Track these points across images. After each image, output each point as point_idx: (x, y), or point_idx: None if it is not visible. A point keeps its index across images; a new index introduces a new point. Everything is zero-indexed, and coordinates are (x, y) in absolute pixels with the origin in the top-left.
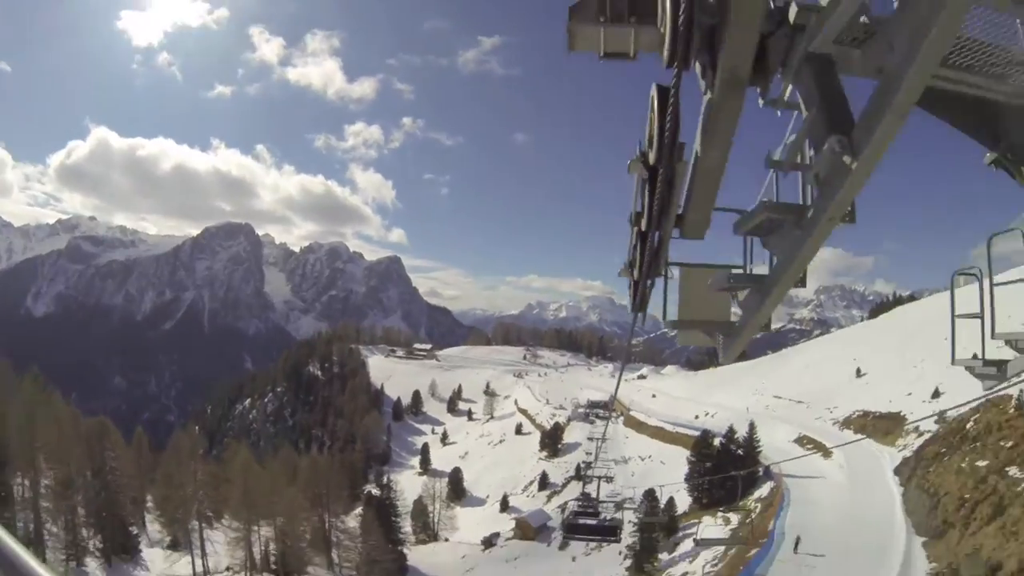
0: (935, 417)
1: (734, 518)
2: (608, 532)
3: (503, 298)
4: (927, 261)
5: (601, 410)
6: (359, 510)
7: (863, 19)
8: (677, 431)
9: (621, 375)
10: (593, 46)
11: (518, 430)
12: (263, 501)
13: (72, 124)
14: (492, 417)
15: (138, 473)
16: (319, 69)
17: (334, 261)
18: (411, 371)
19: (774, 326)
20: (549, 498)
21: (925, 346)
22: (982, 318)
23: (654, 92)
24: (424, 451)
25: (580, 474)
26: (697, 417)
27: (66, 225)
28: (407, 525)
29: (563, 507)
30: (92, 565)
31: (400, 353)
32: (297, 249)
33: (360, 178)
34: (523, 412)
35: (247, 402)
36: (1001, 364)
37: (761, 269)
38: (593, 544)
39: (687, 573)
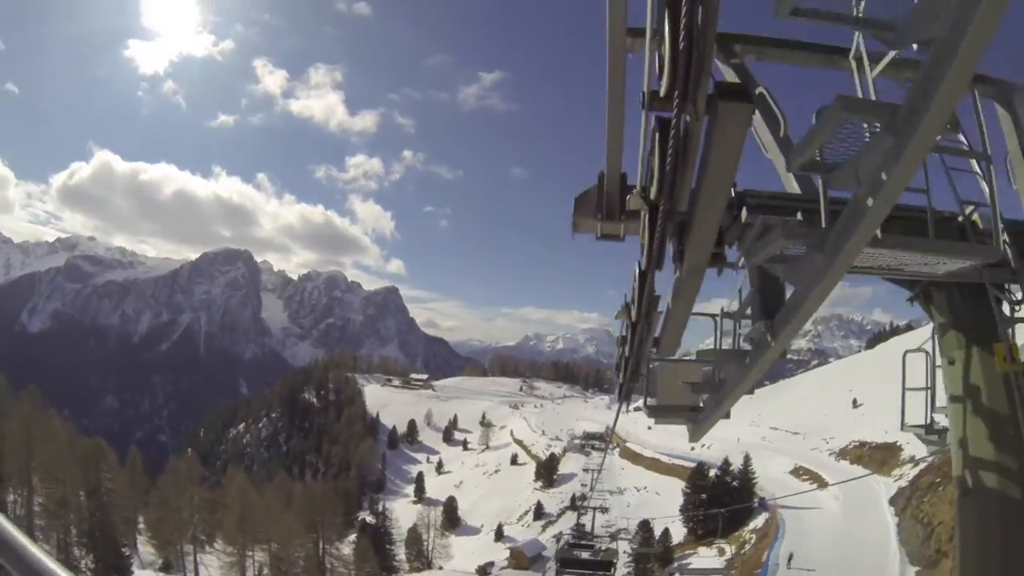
0: (929, 450)
1: (728, 549)
2: (602, 567)
3: (500, 329)
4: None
5: (597, 441)
6: (353, 537)
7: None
8: (673, 462)
9: (618, 415)
10: (591, 231)
11: (513, 460)
12: (258, 526)
13: (76, 146)
14: (488, 447)
15: (131, 494)
16: (321, 102)
17: (332, 290)
18: (407, 400)
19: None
20: (544, 528)
21: (922, 377)
22: (927, 391)
23: (636, 271)
24: (419, 480)
25: (575, 504)
26: (693, 448)
27: (65, 244)
28: (401, 553)
29: (558, 537)
30: None
31: (396, 382)
32: (295, 277)
33: (360, 209)
34: (519, 443)
35: (241, 426)
36: (942, 432)
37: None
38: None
39: None
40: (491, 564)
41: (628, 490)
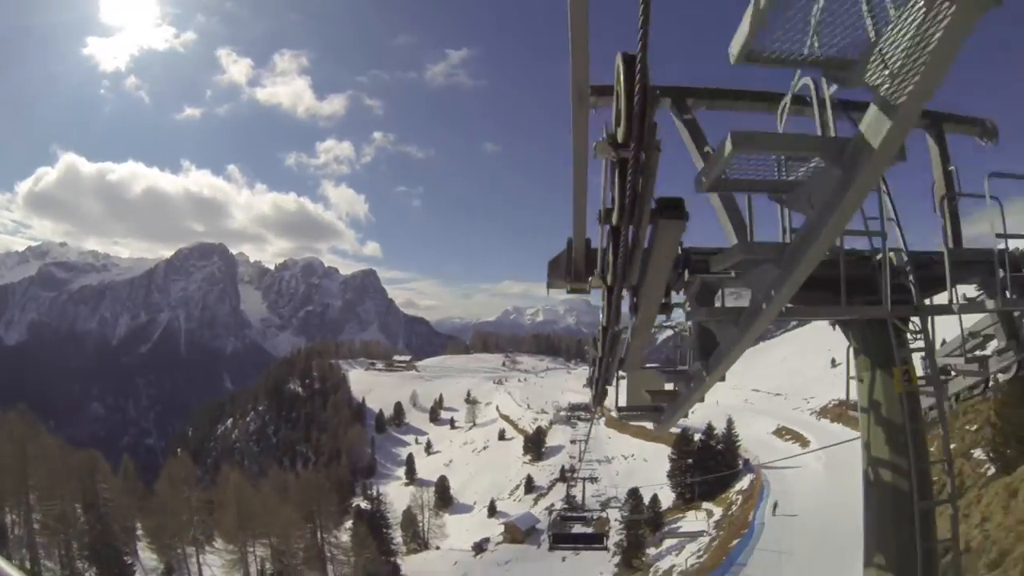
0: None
1: (716, 511)
2: (594, 540)
3: (479, 305)
4: None
5: (583, 412)
6: (349, 524)
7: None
8: None
9: (591, 425)
10: (562, 288)
11: (501, 436)
12: (257, 522)
13: (40, 151)
14: (475, 424)
15: (128, 502)
16: (288, 88)
17: (309, 277)
18: (392, 383)
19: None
20: (536, 501)
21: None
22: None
23: (598, 334)
24: (409, 461)
25: (565, 476)
26: None
27: (36, 252)
28: (398, 536)
29: (550, 509)
30: None
31: (380, 366)
32: (272, 267)
33: (333, 194)
34: (505, 418)
35: (229, 422)
36: None
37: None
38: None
39: (674, 566)
40: (487, 540)
41: (616, 459)
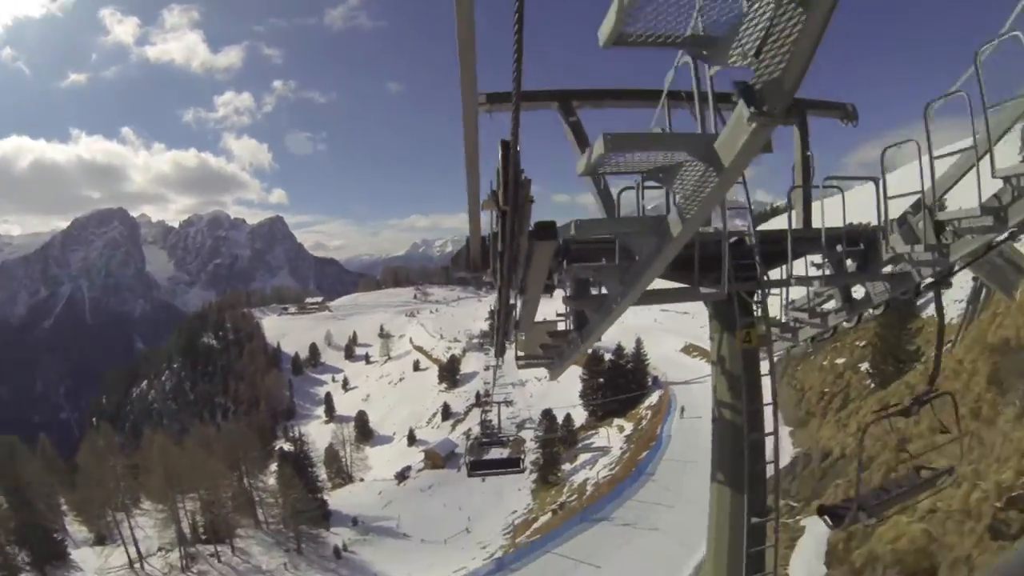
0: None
1: (627, 426)
2: (511, 464)
3: (388, 241)
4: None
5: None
6: (275, 467)
7: None
8: None
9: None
10: (464, 276)
11: (416, 367)
12: (185, 479)
13: None
14: (389, 358)
15: (51, 479)
16: (180, 44)
17: (216, 230)
18: (305, 326)
19: None
20: (453, 427)
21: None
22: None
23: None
24: (327, 400)
25: (480, 401)
26: None
27: None
28: (323, 473)
29: (467, 434)
30: None
31: (292, 310)
32: (176, 224)
33: (235, 146)
34: (419, 349)
35: (144, 384)
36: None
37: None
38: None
39: (587, 479)
40: (408, 468)
41: (529, 381)
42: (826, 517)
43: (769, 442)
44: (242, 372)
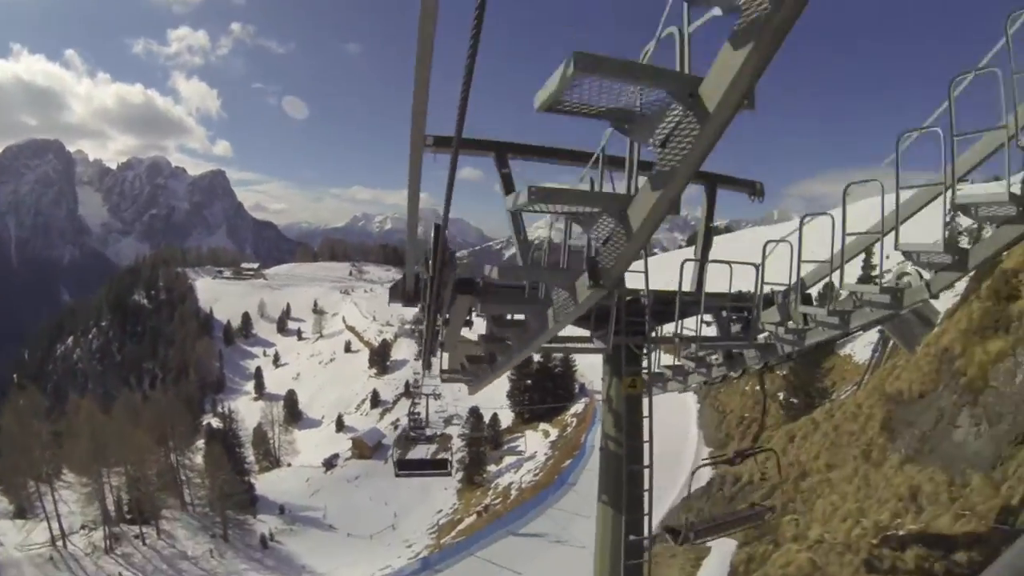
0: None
1: (553, 431)
2: (438, 466)
3: (329, 210)
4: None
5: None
6: (201, 443)
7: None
8: None
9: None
10: (400, 303)
11: (347, 348)
12: (112, 450)
13: None
14: (321, 335)
15: None
16: None
17: (155, 177)
18: (239, 292)
19: None
20: (382, 415)
21: (740, 274)
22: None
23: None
24: (258, 375)
25: (409, 391)
26: None
27: None
28: (250, 454)
29: (395, 424)
30: None
31: (228, 274)
32: (114, 166)
33: (183, 87)
34: (351, 330)
35: (70, 340)
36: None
37: None
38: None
39: (512, 483)
40: (336, 456)
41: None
42: (668, 534)
43: (646, 473)
44: (172, 336)
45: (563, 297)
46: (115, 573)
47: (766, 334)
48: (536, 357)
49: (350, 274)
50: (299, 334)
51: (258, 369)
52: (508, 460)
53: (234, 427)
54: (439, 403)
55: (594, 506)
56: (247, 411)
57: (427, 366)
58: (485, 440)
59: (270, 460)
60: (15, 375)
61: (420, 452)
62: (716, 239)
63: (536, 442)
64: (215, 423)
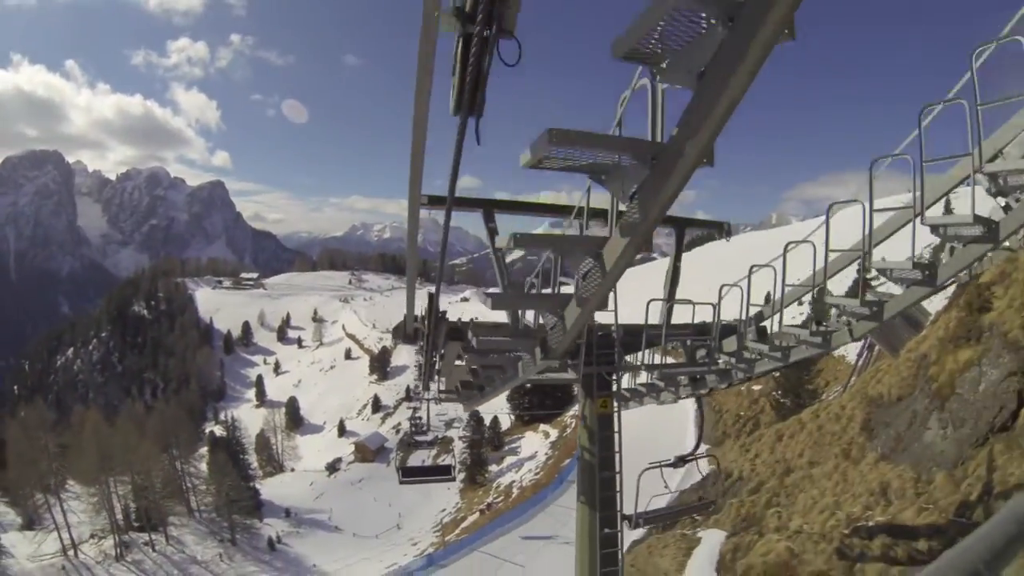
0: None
1: (553, 432)
2: (443, 472)
3: (327, 220)
4: (745, 197)
5: None
6: (204, 450)
7: None
8: None
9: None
10: (400, 342)
11: (347, 355)
12: (118, 460)
13: None
14: (321, 343)
15: None
16: None
17: (154, 188)
18: (239, 301)
19: None
20: (383, 420)
21: (734, 278)
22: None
23: (421, 360)
24: (259, 383)
25: (410, 396)
26: None
27: None
28: (254, 460)
29: (397, 428)
30: None
31: (227, 284)
32: (113, 177)
33: (183, 98)
34: (351, 337)
35: (70, 351)
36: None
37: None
38: (428, 460)
39: (513, 482)
40: (339, 460)
41: None
42: (626, 521)
43: (617, 477)
44: (173, 347)
45: (527, 356)
46: None
47: (724, 360)
48: None
49: (349, 283)
50: (299, 342)
51: (259, 377)
52: (509, 460)
53: (237, 434)
54: (439, 407)
55: None
56: (249, 418)
57: (426, 388)
58: (486, 442)
59: (273, 465)
60: (15, 387)
61: (422, 455)
62: (711, 244)
63: (536, 442)
64: (218, 431)
